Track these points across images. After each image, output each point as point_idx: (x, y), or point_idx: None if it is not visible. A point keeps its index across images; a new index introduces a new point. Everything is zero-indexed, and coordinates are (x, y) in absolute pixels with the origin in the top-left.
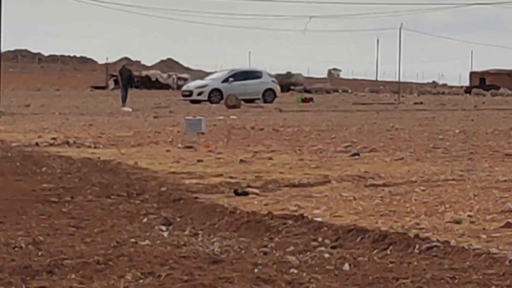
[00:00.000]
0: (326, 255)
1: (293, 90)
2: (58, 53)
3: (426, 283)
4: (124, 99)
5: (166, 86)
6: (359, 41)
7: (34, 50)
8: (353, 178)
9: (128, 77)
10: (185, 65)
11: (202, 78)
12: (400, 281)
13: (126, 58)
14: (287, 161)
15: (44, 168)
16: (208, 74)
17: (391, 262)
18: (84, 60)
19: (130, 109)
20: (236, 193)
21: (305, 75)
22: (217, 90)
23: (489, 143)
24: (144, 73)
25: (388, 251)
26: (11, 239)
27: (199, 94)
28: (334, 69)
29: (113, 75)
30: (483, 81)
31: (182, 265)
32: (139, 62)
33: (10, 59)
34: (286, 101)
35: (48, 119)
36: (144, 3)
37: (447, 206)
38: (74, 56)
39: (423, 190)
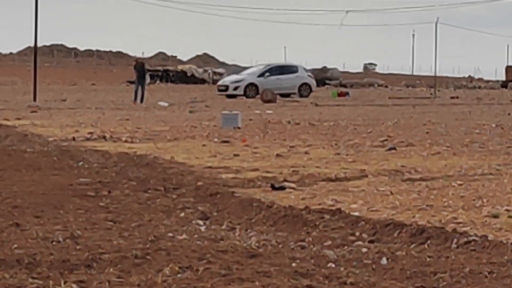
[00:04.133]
0: (364, 250)
1: (328, 84)
2: (93, 48)
3: (464, 277)
4: (136, 95)
5: (202, 81)
6: (395, 35)
7: (70, 45)
8: (389, 172)
9: (142, 71)
10: (221, 59)
11: (237, 73)
12: (438, 275)
13: (161, 53)
14: (323, 155)
15: (81, 163)
16: (244, 68)
17: (429, 257)
18: (119, 54)
19: (166, 104)
20: (273, 188)
21: (341, 69)
22: (253, 85)
23: None
24: (179, 67)
25: (426, 246)
26: (49, 233)
27: (235, 88)
28: (370, 63)
29: (149, 70)
30: None
31: (220, 259)
32: (175, 57)
33: (46, 54)
34: (322, 96)
35: (84, 114)
36: None
37: (485, 200)
38: (110, 51)
39: (460, 185)
